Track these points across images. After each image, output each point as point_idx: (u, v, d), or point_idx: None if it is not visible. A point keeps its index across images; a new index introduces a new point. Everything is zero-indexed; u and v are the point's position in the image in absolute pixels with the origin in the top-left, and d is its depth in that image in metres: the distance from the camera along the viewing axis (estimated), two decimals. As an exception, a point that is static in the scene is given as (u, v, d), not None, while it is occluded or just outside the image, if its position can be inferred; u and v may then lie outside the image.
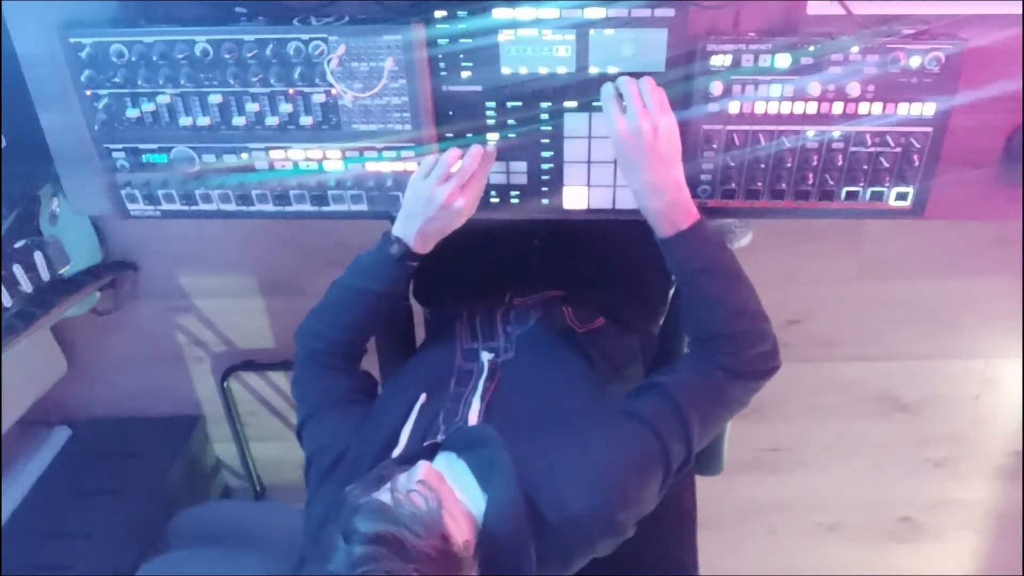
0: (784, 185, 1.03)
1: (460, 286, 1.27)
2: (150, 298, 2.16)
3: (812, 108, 0.98)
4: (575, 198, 1.09)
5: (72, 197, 1.19)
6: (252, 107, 1.03)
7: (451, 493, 0.85)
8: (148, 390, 2.32)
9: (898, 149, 1.00)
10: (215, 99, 1.03)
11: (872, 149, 1.00)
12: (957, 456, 2.34)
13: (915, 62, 0.94)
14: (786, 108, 0.98)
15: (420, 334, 1.40)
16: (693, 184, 1.02)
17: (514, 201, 1.11)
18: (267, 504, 2.41)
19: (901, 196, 1.03)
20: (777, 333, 1.00)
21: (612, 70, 0.99)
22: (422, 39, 0.98)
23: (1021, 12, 0.95)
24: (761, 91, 0.97)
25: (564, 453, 0.90)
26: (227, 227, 2.03)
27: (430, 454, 0.93)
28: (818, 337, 2.13)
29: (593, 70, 0.99)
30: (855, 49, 0.94)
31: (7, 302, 1.63)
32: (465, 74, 1.02)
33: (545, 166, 1.07)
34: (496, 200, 1.10)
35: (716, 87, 0.97)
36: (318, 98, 1.02)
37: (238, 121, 1.04)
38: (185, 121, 1.05)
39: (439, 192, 0.98)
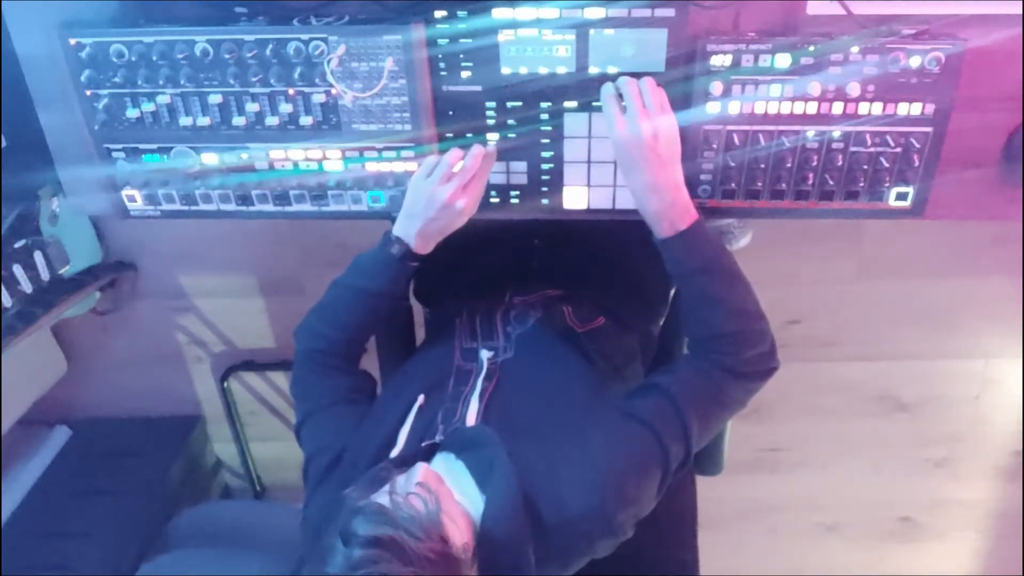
0: (784, 185, 1.03)
1: (460, 286, 1.27)
2: (150, 298, 2.16)
3: (812, 108, 0.98)
4: (575, 198, 1.09)
5: (72, 197, 1.19)
6: (252, 107, 1.03)
7: (450, 495, 0.84)
8: (148, 390, 2.32)
9: (898, 149, 0.99)
10: (215, 99, 1.03)
11: (872, 149, 1.00)
12: (957, 456, 2.33)
13: (915, 62, 0.94)
14: (786, 108, 0.98)
15: (420, 334, 1.40)
16: (693, 184, 1.02)
17: (514, 201, 1.11)
18: (267, 504, 2.41)
19: (901, 196, 1.03)
20: (777, 333, 1.00)
21: (612, 70, 0.99)
22: (422, 39, 0.98)
23: (1021, 12, 0.95)
24: (761, 91, 0.97)
25: (563, 453, 0.90)
26: (227, 227, 2.02)
27: (428, 454, 0.93)
28: (818, 337, 2.13)
29: (593, 70, 0.99)
30: (855, 49, 0.94)
31: (7, 302, 1.63)
32: (465, 74, 1.01)
33: (545, 166, 1.07)
34: (496, 200, 1.10)
35: (716, 87, 0.97)
36: (318, 98, 1.02)
37: (238, 121, 1.04)
38: (185, 121, 1.05)
39: (441, 192, 0.98)
